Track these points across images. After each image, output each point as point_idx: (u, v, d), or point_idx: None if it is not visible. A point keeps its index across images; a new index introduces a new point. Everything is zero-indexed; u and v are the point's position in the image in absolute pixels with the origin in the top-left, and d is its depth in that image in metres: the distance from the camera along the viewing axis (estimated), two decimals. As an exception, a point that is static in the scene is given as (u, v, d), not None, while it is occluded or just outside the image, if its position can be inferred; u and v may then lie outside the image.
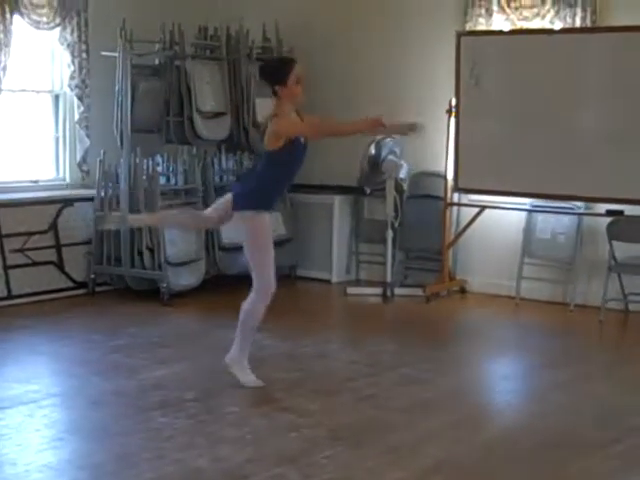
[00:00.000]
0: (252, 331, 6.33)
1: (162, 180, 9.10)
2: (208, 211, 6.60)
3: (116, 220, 7.79)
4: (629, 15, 8.40)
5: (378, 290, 9.24)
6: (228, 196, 6.30)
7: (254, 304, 6.24)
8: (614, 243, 8.35)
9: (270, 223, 6.22)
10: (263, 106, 9.64)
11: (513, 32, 9.03)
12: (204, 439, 5.27)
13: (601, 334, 8.16)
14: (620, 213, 8.39)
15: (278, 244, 9.49)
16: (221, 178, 9.62)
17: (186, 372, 6.62)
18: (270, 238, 6.17)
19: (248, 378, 6.26)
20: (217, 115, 9.45)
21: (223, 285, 9.30)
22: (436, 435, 5.49)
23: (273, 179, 6.16)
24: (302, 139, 6.12)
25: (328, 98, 9.52)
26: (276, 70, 6.17)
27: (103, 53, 8.98)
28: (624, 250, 8.40)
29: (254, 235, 6.14)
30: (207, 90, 9.39)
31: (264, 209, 6.15)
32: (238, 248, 9.23)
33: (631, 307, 8.59)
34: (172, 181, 9.27)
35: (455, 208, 9.49)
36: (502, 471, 4.99)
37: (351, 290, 9.46)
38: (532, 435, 5.52)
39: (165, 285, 8.70)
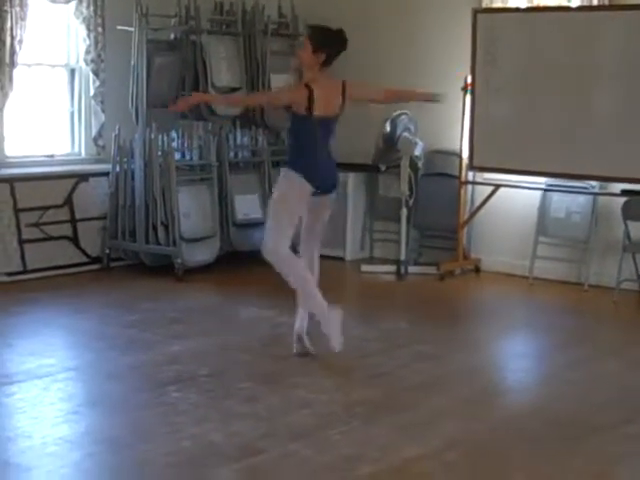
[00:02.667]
0: (307, 294, 6.35)
1: (177, 156, 9.10)
2: None
3: None
4: (647, -7, 8.35)
5: (392, 268, 9.24)
6: None
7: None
8: (629, 223, 8.33)
9: (304, 192, 6.14)
10: (278, 81, 9.67)
11: (530, 9, 9.00)
12: (218, 414, 5.31)
13: (615, 314, 8.16)
14: (635, 193, 8.37)
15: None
16: (236, 154, 9.63)
17: (200, 347, 6.65)
18: (297, 206, 6.16)
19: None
20: (232, 90, 9.42)
21: (237, 262, 9.32)
22: (450, 412, 5.52)
23: (300, 146, 6.20)
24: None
25: (344, 75, 9.48)
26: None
27: (119, 27, 8.97)
28: (639, 230, 8.38)
29: (281, 192, 6.22)
30: (223, 65, 9.38)
31: (300, 173, 6.12)
32: (252, 225, 9.39)
33: (645, 287, 8.60)
34: (187, 157, 9.28)
35: (470, 186, 9.47)
36: (515, 449, 5.01)
37: (365, 268, 9.46)
38: (545, 414, 5.54)
39: (179, 261, 8.71)
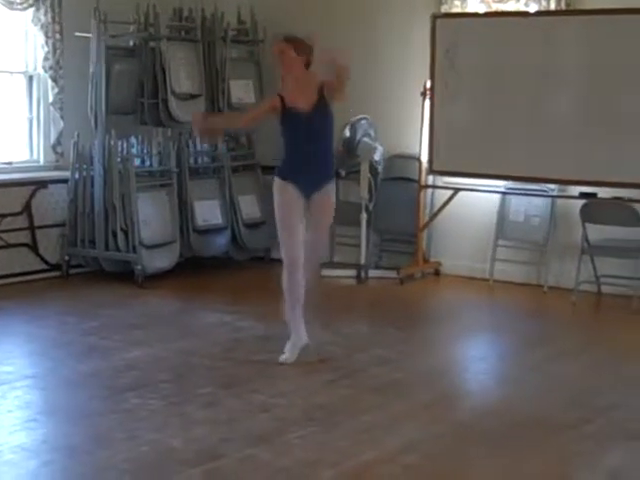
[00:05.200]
0: (290, 306, 6.38)
1: (137, 162, 9.07)
2: None
3: None
4: (603, -3, 8.44)
5: (352, 272, 9.25)
6: None
7: (283, 274, 6.37)
8: (587, 225, 8.38)
9: (293, 196, 6.27)
10: (238, 88, 9.67)
11: (488, 14, 9.06)
12: (178, 420, 5.30)
13: (573, 316, 8.22)
14: (593, 196, 8.45)
15: (253, 227, 9.59)
16: (196, 160, 9.61)
17: (160, 353, 6.63)
18: (291, 210, 6.27)
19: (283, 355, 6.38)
20: (192, 97, 9.40)
21: (197, 267, 9.31)
22: (409, 415, 5.53)
23: (286, 149, 6.34)
24: (299, 109, 6.23)
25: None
26: None
27: (77, 34, 8.94)
28: (597, 232, 8.44)
29: (275, 202, 6.35)
30: (182, 72, 9.35)
31: (283, 179, 6.29)
32: (212, 230, 9.38)
33: (603, 289, 8.65)
34: (147, 163, 9.25)
35: (429, 190, 9.51)
36: (475, 451, 5.03)
37: (325, 272, 9.41)
38: (505, 415, 5.57)
39: (139, 267, 8.67)
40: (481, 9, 9.14)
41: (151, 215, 8.91)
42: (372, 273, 9.29)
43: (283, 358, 6.34)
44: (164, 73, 9.19)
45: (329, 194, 6.43)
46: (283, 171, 6.33)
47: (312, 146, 6.27)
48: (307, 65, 6.34)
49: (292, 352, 6.36)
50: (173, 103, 9.20)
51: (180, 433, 5.08)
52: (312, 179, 6.31)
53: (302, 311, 6.41)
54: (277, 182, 6.33)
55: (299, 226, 6.33)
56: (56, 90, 9.22)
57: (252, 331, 7.24)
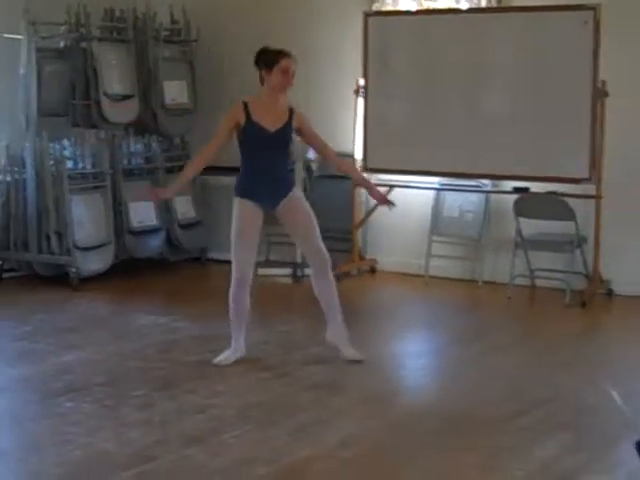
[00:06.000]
0: (235, 320, 6.37)
1: (70, 164, 8.98)
2: None
3: None
4: (533, -5, 8.52)
5: (288, 270, 9.26)
6: None
7: (231, 287, 6.36)
8: (520, 220, 8.45)
9: (251, 213, 6.27)
10: (171, 88, 9.62)
11: (420, 12, 9.10)
12: (111, 422, 5.25)
13: (508, 310, 8.28)
14: (526, 190, 8.52)
15: (188, 227, 9.55)
16: (129, 161, 9.54)
17: (94, 357, 6.57)
18: (247, 228, 6.27)
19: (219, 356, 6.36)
20: (125, 98, 9.34)
21: (132, 269, 9.25)
22: (345, 412, 5.55)
23: (243, 165, 6.30)
24: (265, 127, 6.19)
25: (235, 80, 9.46)
26: (269, 55, 6.31)
27: (6, 36, 8.84)
28: (530, 227, 8.51)
29: (233, 218, 6.28)
30: (114, 73, 9.28)
31: (241, 196, 6.26)
32: (147, 231, 9.32)
33: (537, 283, 8.72)
34: (80, 165, 9.15)
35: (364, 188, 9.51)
36: (410, 446, 5.04)
37: (261, 271, 9.37)
38: (440, 410, 5.60)
39: (74, 270, 8.60)
40: (412, 7, 9.17)
41: (85, 217, 8.84)
42: (308, 271, 9.23)
43: (218, 359, 6.33)
44: (96, 74, 9.12)
45: (295, 199, 6.39)
46: (241, 189, 6.27)
47: (273, 164, 6.27)
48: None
49: (228, 358, 6.36)
50: (105, 104, 9.12)
51: (114, 436, 5.04)
52: (272, 194, 6.28)
53: (245, 324, 6.41)
54: (236, 200, 6.27)
55: (254, 244, 6.36)
56: (-14, 93, 9.12)
57: (187, 332, 7.21)
